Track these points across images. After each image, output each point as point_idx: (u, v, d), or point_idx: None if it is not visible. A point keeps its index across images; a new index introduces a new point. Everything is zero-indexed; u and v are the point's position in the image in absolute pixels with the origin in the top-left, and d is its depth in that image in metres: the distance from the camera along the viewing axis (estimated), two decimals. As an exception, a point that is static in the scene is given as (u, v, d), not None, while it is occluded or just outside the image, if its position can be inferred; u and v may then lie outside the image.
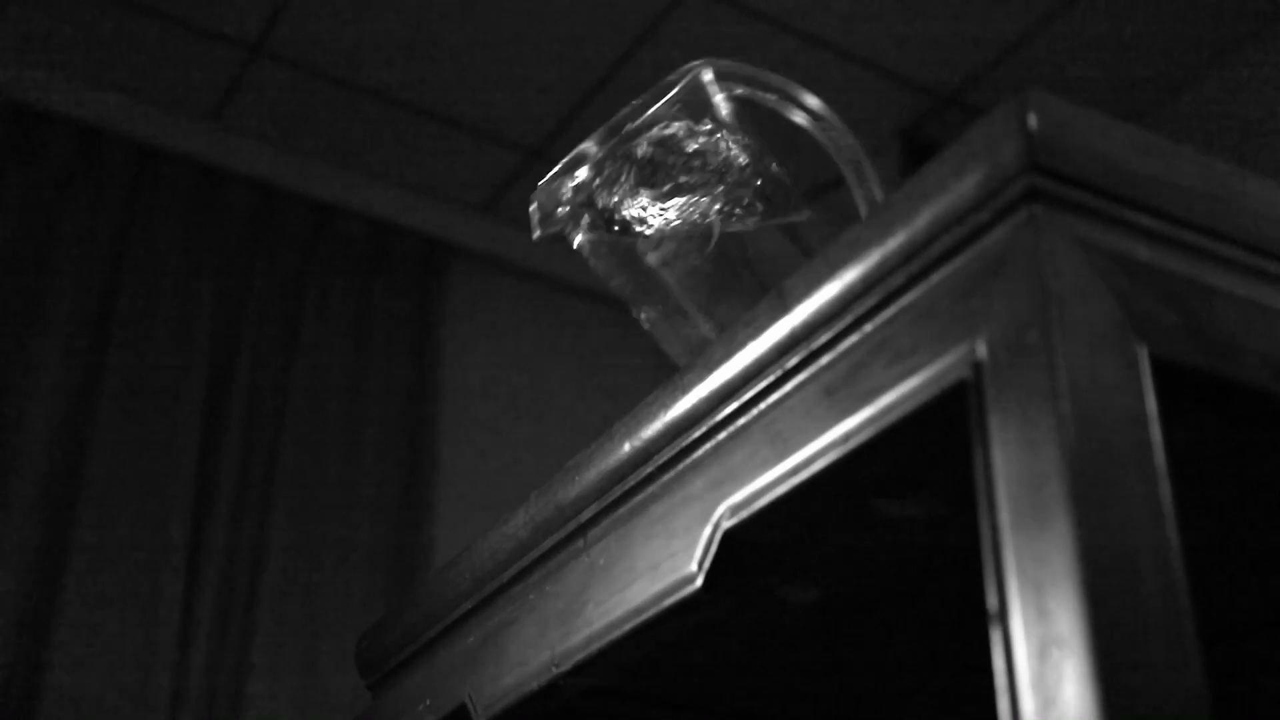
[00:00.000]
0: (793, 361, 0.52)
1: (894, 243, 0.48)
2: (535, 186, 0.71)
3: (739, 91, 0.67)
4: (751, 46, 2.52)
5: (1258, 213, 0.48)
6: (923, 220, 0.47)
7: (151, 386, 2.42)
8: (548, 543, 0.65)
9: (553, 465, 0.67)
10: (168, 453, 2.38)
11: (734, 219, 0.65)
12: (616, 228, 0.67)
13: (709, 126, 0.65)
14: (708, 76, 0.66)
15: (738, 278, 0.67)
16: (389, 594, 2.44)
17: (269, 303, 2.61)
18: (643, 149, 0.65)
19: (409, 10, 2.45)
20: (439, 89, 2.62)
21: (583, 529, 0.63)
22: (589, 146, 0.67)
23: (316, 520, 2.46)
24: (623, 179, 0.65)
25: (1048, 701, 0.37)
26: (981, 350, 0.43)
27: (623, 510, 0.61)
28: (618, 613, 0.58)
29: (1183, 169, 0.47)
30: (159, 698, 2.21)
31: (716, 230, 0.65)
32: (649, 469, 0.59)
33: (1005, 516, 0.40)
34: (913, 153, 2.59)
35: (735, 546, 0.53)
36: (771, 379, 0.53)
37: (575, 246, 0.68)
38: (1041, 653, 0.38)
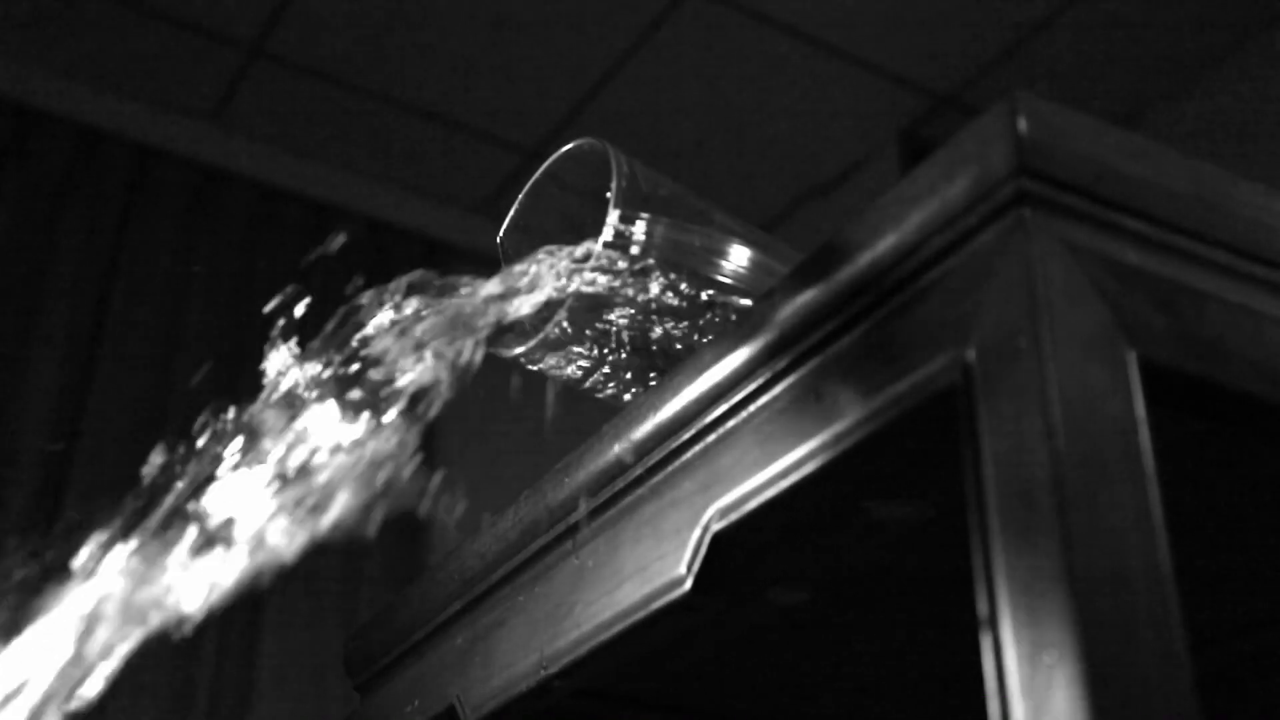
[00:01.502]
0: (782, 364, 0.52)
1: (883, 246, 0.48)
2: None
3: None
4: (751, 47, 2.52)
5: (1247, 217, 0.48)
6: (912, 224, 0.47)
7: (149, 386, 2.42)
8: (536, 544, 0.65)
9: (551, 466, 0.67)
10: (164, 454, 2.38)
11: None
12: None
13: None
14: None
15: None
16: (390, 593, 2.45)
17: (268, 304, 2.60)
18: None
19: (409, 11, 2.45)
20: (438, 89, 2.62)
21: (571, 531, 0.63)
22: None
23: (315, 521, 2.46)
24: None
25: (1038, 707, 0.37)
26: (971, 354, 0.43)
27: (612, 512, 0.61)
28: (606, 615, 0.58)
29: (1172, 173, 0.47)
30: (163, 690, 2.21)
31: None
32: (638, 471, 0.59)
33: (995, 521, 0.40)
34: (911, 153, 2.59)
35: (724, 549, 0.53)
36: (761, 381, 0.53)
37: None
38: (1032, 658, 0.38)
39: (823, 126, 2.70)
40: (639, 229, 0.62)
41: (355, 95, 2.62)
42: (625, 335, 0.64)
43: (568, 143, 0.70)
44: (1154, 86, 2.59)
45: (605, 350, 0.64)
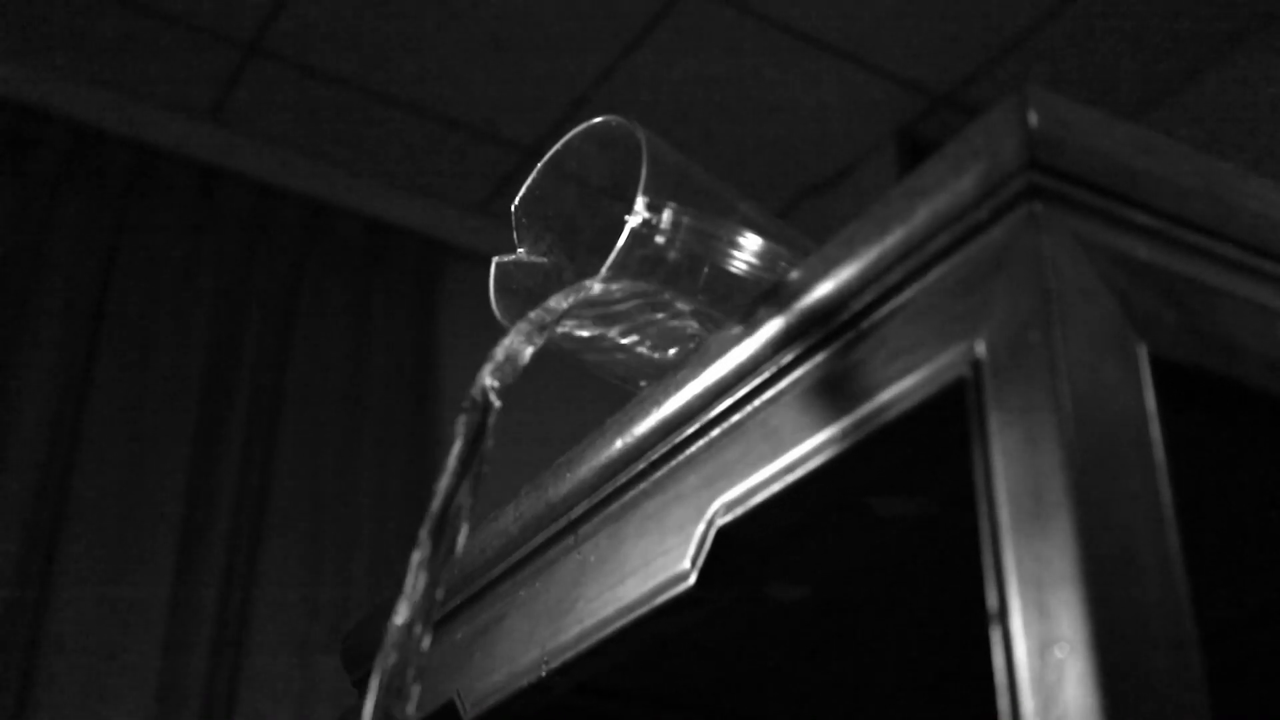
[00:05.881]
0: (788, 358, 0.52)
1: (891, 240, 0.47)
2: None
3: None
4: (748, 45, 2.52)
5: (1257, 212, 0.48)
6: (920, 218, 0.47)
7: (147, 386, 2.41)
8: (538, 539, 0.65)
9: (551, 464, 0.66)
10: (163, 454, 2.38)
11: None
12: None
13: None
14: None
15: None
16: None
17: (266, 302, 2.60)
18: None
19: (407, 10, 2.44)
20: (437, 89, 2.61)
21: (573, 525, 0.63)
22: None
23: (315, 522, 2.46)
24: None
25: (1048, 701, 0.37)
26: (981, 348, 0.43)
27: (614, 507, 0.60)
28: (609, 610, 0.57)
29: (1183, 167, 0.47)
30: (152, 666, 2.21)
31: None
32: (641, 465, 0.58)
33: (1005, 515, 0.40)
34: (910, 152, 2.59)
35: (729, 544, 0.53)
36: (767, 375, 0.53)
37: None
38: (1042, 652, 0.37)
39: (820, 125, 2.70)
40: (666, 218, 0.61)
41: (354, 94, 2.62)
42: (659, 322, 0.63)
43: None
44: (1153, 87, 2.59)
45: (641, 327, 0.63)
